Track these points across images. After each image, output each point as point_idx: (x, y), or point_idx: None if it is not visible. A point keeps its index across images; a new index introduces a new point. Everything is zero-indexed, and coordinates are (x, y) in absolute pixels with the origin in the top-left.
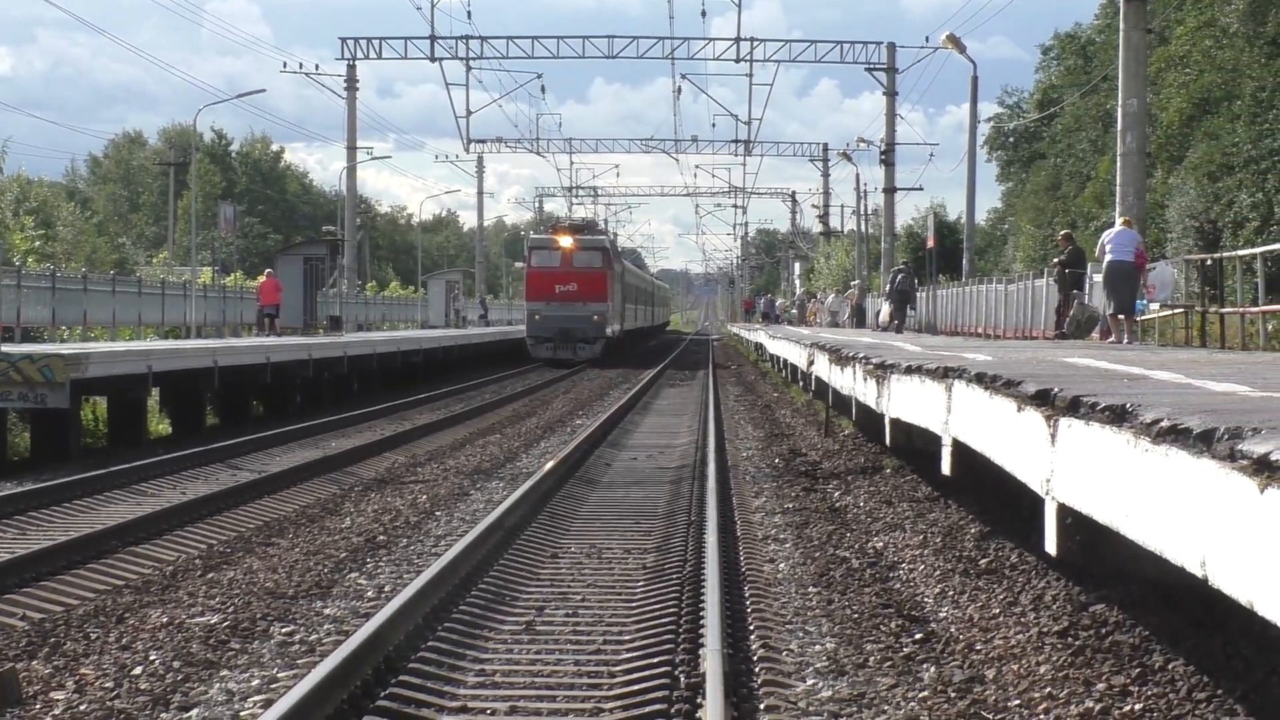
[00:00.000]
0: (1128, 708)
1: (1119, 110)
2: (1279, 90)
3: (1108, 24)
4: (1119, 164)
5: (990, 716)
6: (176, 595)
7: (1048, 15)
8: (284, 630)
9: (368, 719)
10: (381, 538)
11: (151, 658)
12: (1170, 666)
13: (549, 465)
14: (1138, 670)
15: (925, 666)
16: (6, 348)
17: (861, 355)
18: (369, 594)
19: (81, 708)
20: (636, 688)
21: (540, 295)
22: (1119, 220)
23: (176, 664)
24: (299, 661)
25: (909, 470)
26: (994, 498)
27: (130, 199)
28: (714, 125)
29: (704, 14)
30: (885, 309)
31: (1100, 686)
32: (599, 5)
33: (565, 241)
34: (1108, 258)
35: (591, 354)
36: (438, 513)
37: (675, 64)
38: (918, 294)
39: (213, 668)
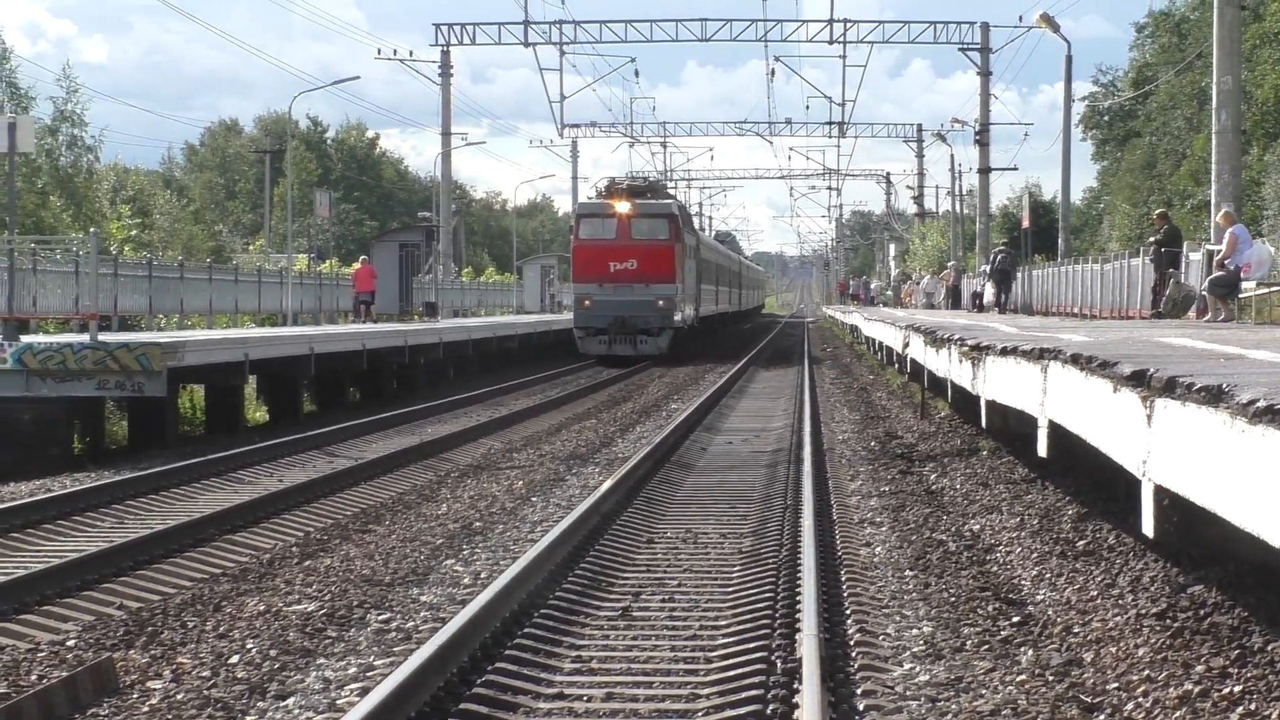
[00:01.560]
0: (1227, 689)
1: (1213, 88)
2: None
3: (1201, 1)
4: (1214, 142)
5: (1088, 699)
6: (273, 583)
7: None
8: (381, 618)
9: (465, 706)
10: (478, 524)
11: (248, 646)
12: (1270, 648)
13: (644, 450)
14: (1237, 652)
15: (1023, 649)
16: (104, 336)
17: (957, 337)
18: (465, 580)
19: (179, 697)
20: (732, 674)
21: (591, 275)
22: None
23: (273, 652)
24: (395, 649)
25: (1005, 452)
26: (1091, 479)
27: (226, 186)
28: (808, 108)
29: None
30: (989, 289)
31: (1199, 669)
32: None
33: (622, 207)
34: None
35: (656, 348)
36: (533, 498)
37: (768, 46)
38: (1016, 274)
39: (309, 656)
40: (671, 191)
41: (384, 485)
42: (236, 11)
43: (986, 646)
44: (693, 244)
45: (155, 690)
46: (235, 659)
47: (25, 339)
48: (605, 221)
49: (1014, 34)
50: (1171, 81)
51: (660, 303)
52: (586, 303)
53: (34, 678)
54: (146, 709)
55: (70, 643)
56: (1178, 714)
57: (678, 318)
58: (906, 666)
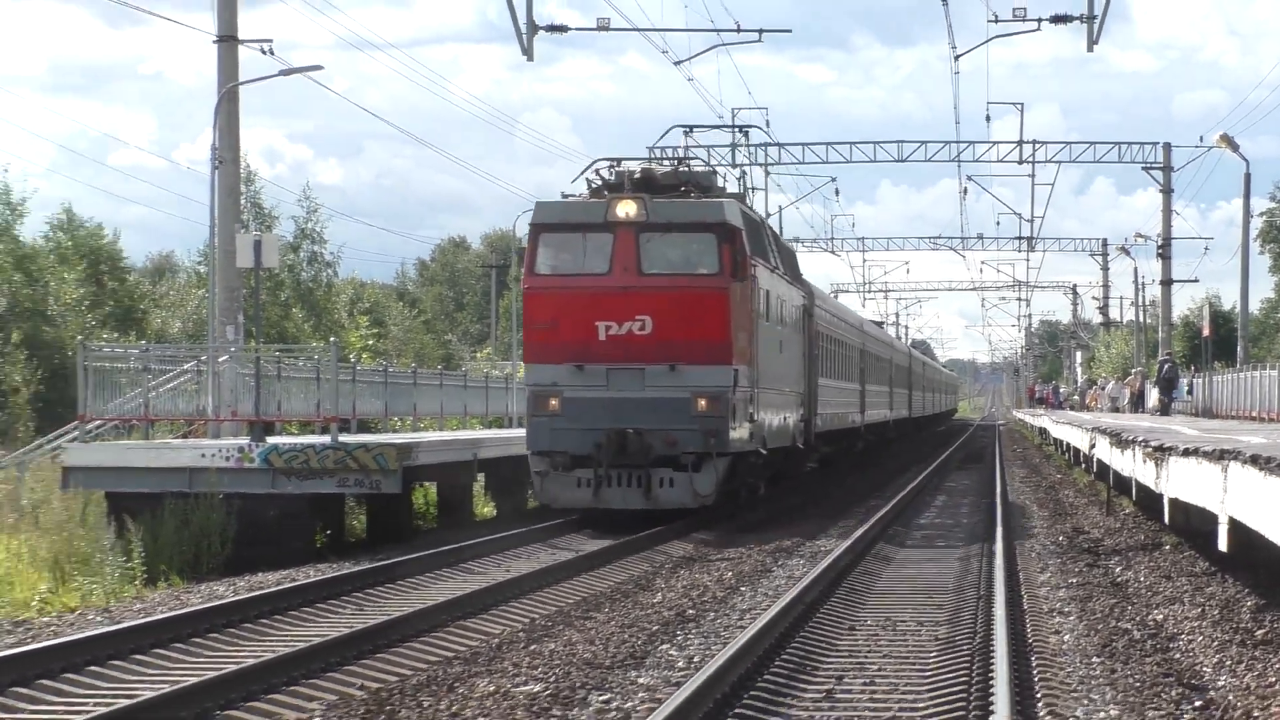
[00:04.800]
0: None
1: None
2: None
3: None
4: None
5: None
6: (502, 665)
7: None
8: (601, 698)
9: None
10: (690, 611)
11: None
12: None
13: (845, 544)
14: None
15: None
16: (343, 438)
17: (1141, 439)
18: (679, 664)
19: None
20: None
21: (560, 346)
22: None
23: None
24: None
25: (1187, 547)
26: (1269, 572)
27: (455, 299)
28: (998, 223)
29: (988, 119)
30: (1153, 394)
31: None
32: (885, 112)
33: (624, 210)
34: None
35: (691, 495)
36: (742, 588)
37: (961, 165)
38: (1181, 380)
39: None
40: (730, 187)
41: (603, 575)
42: (464, 137)
43: None
44: (790, 297)
45: None
46: None
47: (271, 440)
48: (590, 241)
49: (1194, 153)
50: None
51: (703, 402)
52: (552, 403)
53: None
54: None
55: None
56: None
57: (738, 432)
58: None
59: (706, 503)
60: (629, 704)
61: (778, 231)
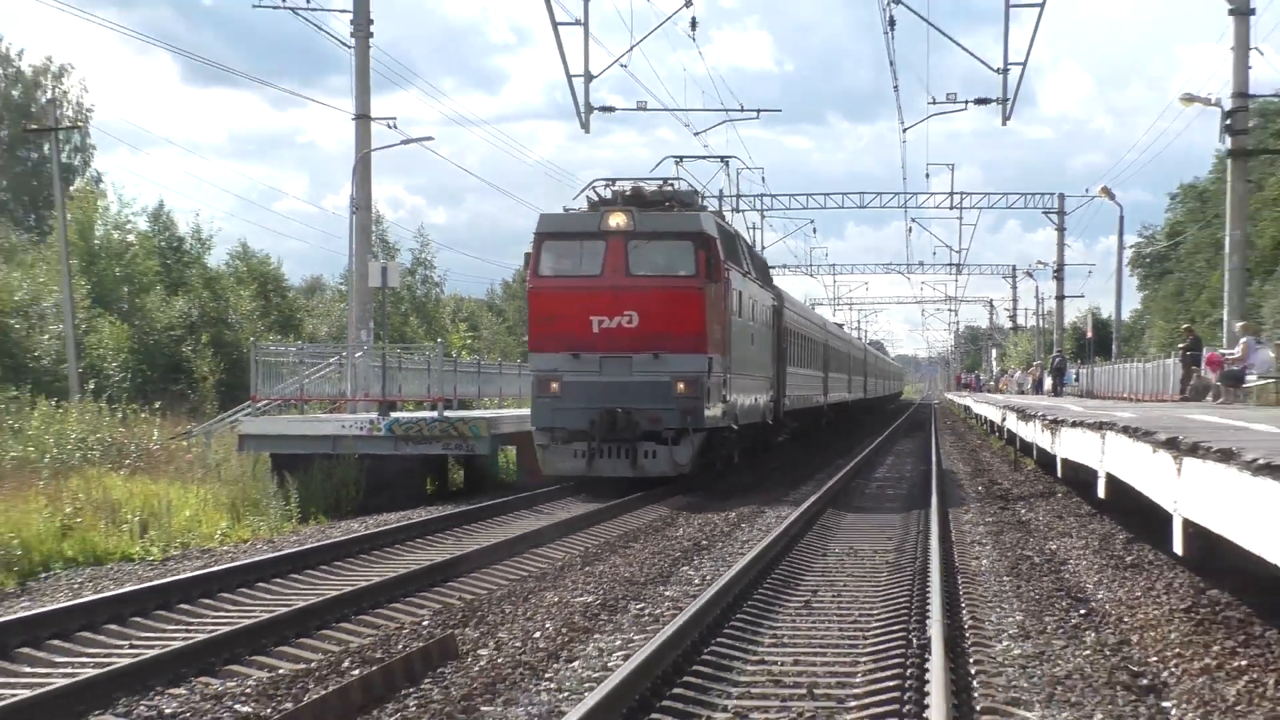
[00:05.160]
0: (1235, 663)
1: (1226, 239)
2: None
3: (1219, 177)
4: (1227, 277)
5: (1135, 668)
6: (564, 582)
7: (1174, 170)
8: (638, 606)
9: (696, 668)
10: (704, 543)
11: (546, 626)
12: (1267, 634)
13: (818, 494)
14: (1243, 637)
15: (1087, 633)
16: (447, 413)
17: (1040, 413)
18: (695, 580)
19: (499, 660)
20: (882, 647)
21: (559, 338)
22: (1239, 327)
23: (564, 630)
24: (648, 628)
25: (1075, 495)
26: (1137, 515)
27: None
28: (934, 253)
29: (927, 175)
30: (1048, 380)
31: (1215, 648)
32: (850, 170)
33: (615, 221)
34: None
35: (671, 464)
36: (743, 525)
37: (907, 210)
38: (1070, 369)
39: (588, 633)
40: (709, 204)
41: (639, 515)
42: (536, 190)
43: (1062, 630)
44: (749, 295)
45: (483, 656)
46: (538, 634)
47: (393, 414)
48: (586, 247)
49: (1081, 201)
50: (1196, 234)
51: (681, 385)
52: (553, 386)
53: (399, 647)
54: (477, 669)
55: (424, 624)
56: (1200, 680)
57: (711, 410)
58: (1004, 644)
59: (684, 471)
60: (658, 610)
61: (751, 244)
